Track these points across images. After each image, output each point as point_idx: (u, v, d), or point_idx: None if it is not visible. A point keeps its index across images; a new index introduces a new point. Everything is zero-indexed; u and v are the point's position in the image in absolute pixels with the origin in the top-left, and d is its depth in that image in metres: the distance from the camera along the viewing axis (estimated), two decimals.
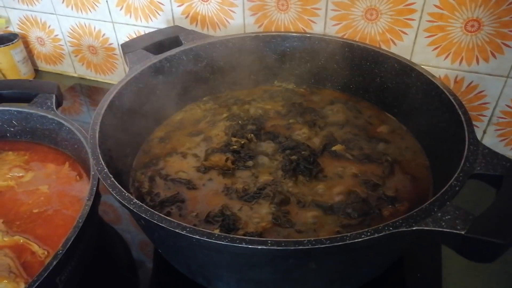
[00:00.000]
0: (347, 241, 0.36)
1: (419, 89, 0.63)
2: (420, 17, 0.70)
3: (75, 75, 1.09)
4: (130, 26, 0.93)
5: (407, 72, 0.65)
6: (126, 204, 0.42)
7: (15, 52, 1.01)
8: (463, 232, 0.36)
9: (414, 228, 0.38)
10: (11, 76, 1.03)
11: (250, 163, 0.61)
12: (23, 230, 0.56)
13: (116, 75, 1.03)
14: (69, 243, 0.46)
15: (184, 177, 0.60)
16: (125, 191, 0.44)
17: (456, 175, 0.44)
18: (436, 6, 0.67)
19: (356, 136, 0.66)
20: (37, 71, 1.12)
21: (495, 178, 0.44)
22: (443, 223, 0.38)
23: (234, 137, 0.65)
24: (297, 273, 0.41)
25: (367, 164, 0.61)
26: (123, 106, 0.62)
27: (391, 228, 0.38)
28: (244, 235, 0.50)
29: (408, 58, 0.74)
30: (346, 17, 0.75)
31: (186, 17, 0.86)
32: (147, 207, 0.41)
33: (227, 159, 0.60)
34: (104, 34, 0.97)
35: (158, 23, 0.89)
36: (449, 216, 0.38)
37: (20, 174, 0.65)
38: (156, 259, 0.62)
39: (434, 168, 0.59)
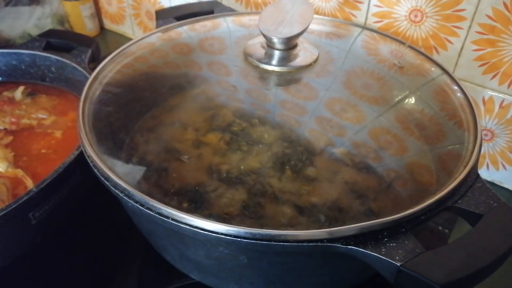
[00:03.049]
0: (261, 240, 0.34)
1: None
2: (469, 27, 0.62)
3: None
4: None
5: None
6: (88, 151, 0.44)
7: (84, 8, 1.09)
8: (399, 264, 0.32)
9: (349, 247, 0.34)
10: (77, 29, 1.11)
11: (244, 147, 0.60)
12: (26, 166, 0.61)
13: None
14: (44, 184, 0.49)
15: (177, 147, 0.60)
16: (94, 144, 0.45)
17: (427, 203, 0.39)
18: (488, 16, 0.59)
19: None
20: (103, 29, 1.19)
21: (474, 216, 0.38)
22: (384, 249, 0.34)
23: (239, 119, 0.65)
24: (229, 264, 0.40)
25: (364, 174, 0.56)
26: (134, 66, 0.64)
27: (324, 241, 0.35)
28: (208, 215, 0.50)
29: (451, 71, 0.67)
30: (388, 15, 0.69)
31: None
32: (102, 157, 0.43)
33: (220, 139, 0.60)
34: (160, 2, 1.00)
35: None
36: (394, 244, 0.34)
37: (43, 116, 0.71)
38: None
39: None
